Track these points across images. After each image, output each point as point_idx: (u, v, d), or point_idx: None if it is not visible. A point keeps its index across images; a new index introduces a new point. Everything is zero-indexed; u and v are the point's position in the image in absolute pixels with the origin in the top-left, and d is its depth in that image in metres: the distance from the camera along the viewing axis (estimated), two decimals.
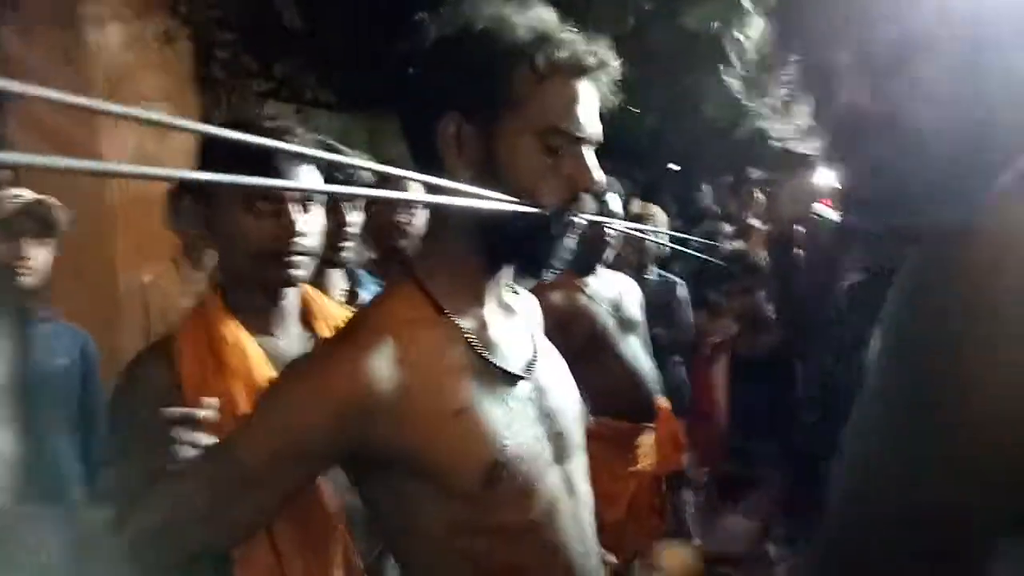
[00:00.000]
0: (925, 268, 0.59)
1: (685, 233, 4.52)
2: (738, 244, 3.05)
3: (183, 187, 2.31)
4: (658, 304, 2.91)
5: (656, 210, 4.53)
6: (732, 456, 2.54)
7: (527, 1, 0.91)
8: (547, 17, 0.90)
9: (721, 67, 3.96)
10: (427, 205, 1.01)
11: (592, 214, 1.05)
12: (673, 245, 2.94)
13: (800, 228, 1.89)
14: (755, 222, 3.70)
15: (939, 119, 0.62)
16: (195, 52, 3.62)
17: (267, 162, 1.07)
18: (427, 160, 0.91)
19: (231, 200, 1.13)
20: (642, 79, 4.88)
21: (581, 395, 1.12)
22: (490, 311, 0.98)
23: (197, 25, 3.57)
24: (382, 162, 0.78)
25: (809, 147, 0.85)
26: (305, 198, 1.17)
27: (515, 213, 0.87)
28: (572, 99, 0.89)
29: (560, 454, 0.98)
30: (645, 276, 3.06)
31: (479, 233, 0.92)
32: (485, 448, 0.89)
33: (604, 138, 0.94)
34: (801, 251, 1.89)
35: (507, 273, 1.00)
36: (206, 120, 3.78)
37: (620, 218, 2.44)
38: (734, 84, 4.02)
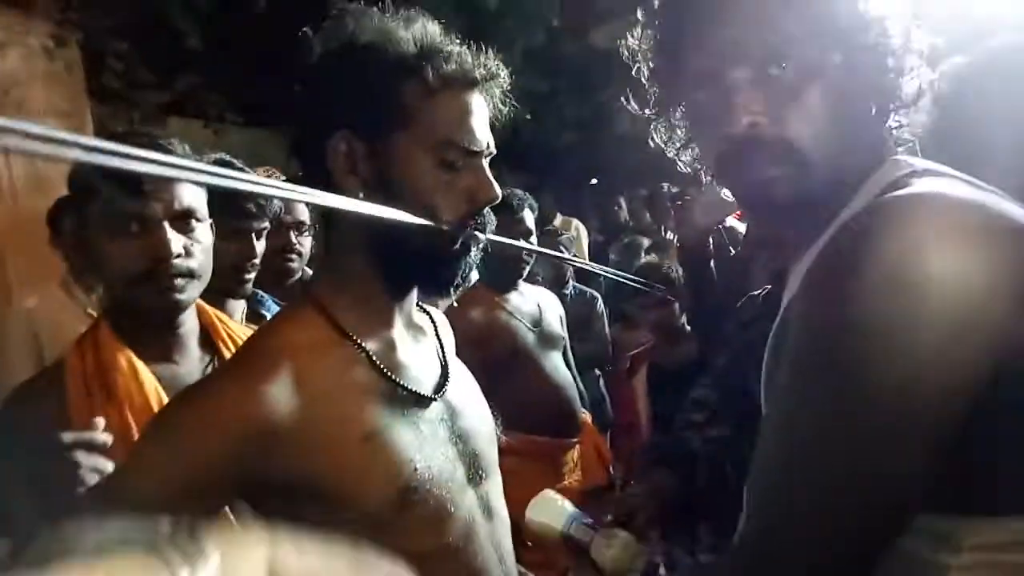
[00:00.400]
0: (814, 291, 0.65)
1: (605, 245, 4.59)
2: (652, 257, 3.10)
3: (61, 207, 2.16)
4: (577, 318, 2.92)
5: (576, 224, 4.58)
6: (650, 462, 2.57)
7: (411, 15, 0.88)
8: (432, 31, 0.88)
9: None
10: (325, 215, 0.96)
11: (499, 231, 1.04)
12: (581, 264, 2.97)
13: (711, 240, 1.94)
14: (670, 235, 3.79)
15: (819, 140, 0.71)
16: (86, 62, 3.43)
17: (136, 181, 1.01)
18: (319, 180, 0.86)
19: (103, 221, 1.06)
20: (557, 94, 5.00)
21: (503, 411, 1.10)
22: (398, 332, 0.95)
23: (88, 33, 3.39)
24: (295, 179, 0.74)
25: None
26: (187, 215, 1.10)
27: (413, 231, 0.84)
28: (464, 112, 0.87)
29: (474, 476, 0.95)
30: (563, 291, 3.06)
31: (380, 253, 0.89)
32: (396, 472, 0.85)
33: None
34: (712, 263, 1.94)
35: (413, 293, 0.97)
36: (101, 132, 3.61)
37: (533, 233, 2.42)
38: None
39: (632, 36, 0.87)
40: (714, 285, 1.96)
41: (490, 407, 1.07)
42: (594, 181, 7.51)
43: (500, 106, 0.93)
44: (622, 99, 0.95)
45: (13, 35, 3.13)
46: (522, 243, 2.20)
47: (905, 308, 0.59)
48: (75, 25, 3.35)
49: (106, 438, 0.92)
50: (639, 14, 0.86)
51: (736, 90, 0.71)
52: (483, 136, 0.88)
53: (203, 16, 3.73)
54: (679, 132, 0.88)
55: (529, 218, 2.40)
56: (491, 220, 0.93)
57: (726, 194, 1.74)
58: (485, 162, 0.90)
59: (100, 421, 0.94)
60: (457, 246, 0.88)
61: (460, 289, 0.94)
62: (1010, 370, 0.59)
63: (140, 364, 1.07)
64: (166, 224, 1.07)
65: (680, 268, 2.44)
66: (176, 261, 1.06)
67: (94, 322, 1.16)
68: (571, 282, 3.22)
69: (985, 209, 0.63)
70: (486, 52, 0.90)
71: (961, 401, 0.59)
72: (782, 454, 0.65)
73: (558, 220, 4.49)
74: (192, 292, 1.11)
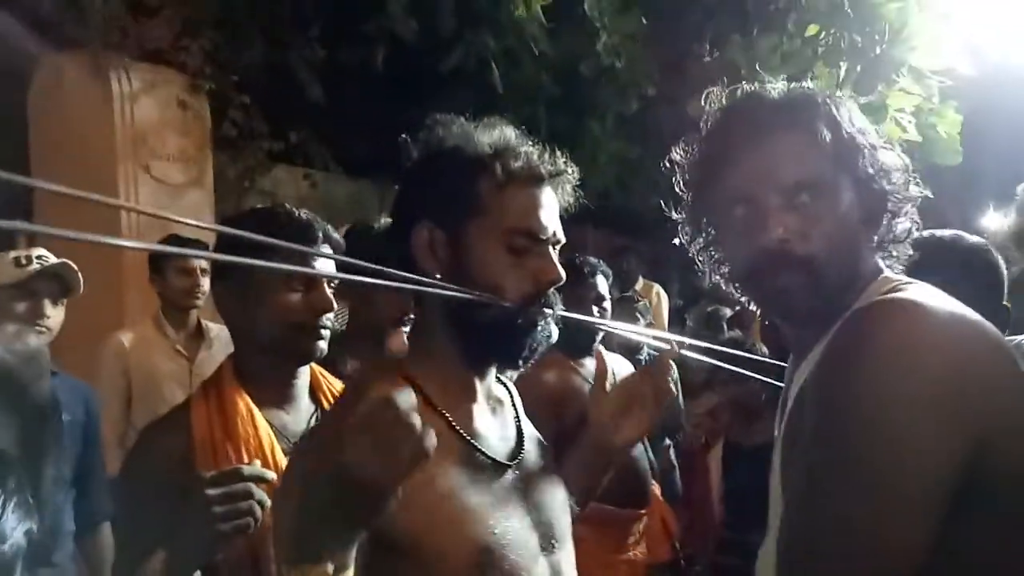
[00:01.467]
0: (825, 381, 0.79)
1: (683, 312, 4.56)
2: (735, 333, 3.06)
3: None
4: None
5: (658, 290, 4.56)
6: (726, 547, 2.50)
7: (492, 122, 1.01)
8: (507, 134, 0.99)
9: None
10: (416, 298, 1.08)
11: (572, 297, 1.11)
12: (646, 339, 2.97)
13: None
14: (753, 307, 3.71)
15: (832, 257, 0.87)
16: (212, 112, 3.73)
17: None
18: (404, 263, 0.96)
19: (272, 277, 1.20)
20: (646, 160, 5.05)
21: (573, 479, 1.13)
22: (478, 403, 1.02)
23: (218, 85, 3.70)
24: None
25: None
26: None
27: (484, 310, 0.94)
28: (531, 203, 0.97)
29: (547, 545, 0.99)
30: (638, 357, 3.06)
31: (457, 330, 0.98)
32: (476, 533, 0.90)
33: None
34: None
35: (491, 367, 1.04)
36: (219, 177, 3.90)
37: (606, 299, 2.43)
38: None
39: (678, 151, 1.03)
40: None
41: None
42: (677, 241, 7.46)
43: (569, 199, 1.03)
44: (661, 203, 1.06)
45: (153, 85, 3.46)
46: (583, 316, 2.20)
47: (898, 391, 0.73)
48: (207, 77, 3.67)
49: (273, 476, 1.07)
50: (689, 134, 1.02)
51: (770, 211, 0.87)
52: (549, 225, 0.98)
53: (323, 71, 4.00)
54: (702, 237, 1.04)
55: (602, 284, 2.43)
56: (556, 299, 1.00)
57: None
58: (553, 249, 0.99)
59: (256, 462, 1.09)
60: (522, 322, 0.96)
61: (532, 361, 1.01)
62: (991, 445, 0.72)
63: (256, 410, 1.19)
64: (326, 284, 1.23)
65: (765, 346, 2.42)
66: (328, 314, 1.22)
67: (220, 366, 1.29)
68: (646, 348, 3.22)
69: (960, 312, 0.79)
70: (555, 152, 1.01)
71: (949, 469, 0.72)
72: (804, 526, 0.76)
73: (639, 284, 4.49)
74: (326, 345, 1.25)
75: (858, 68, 3.68)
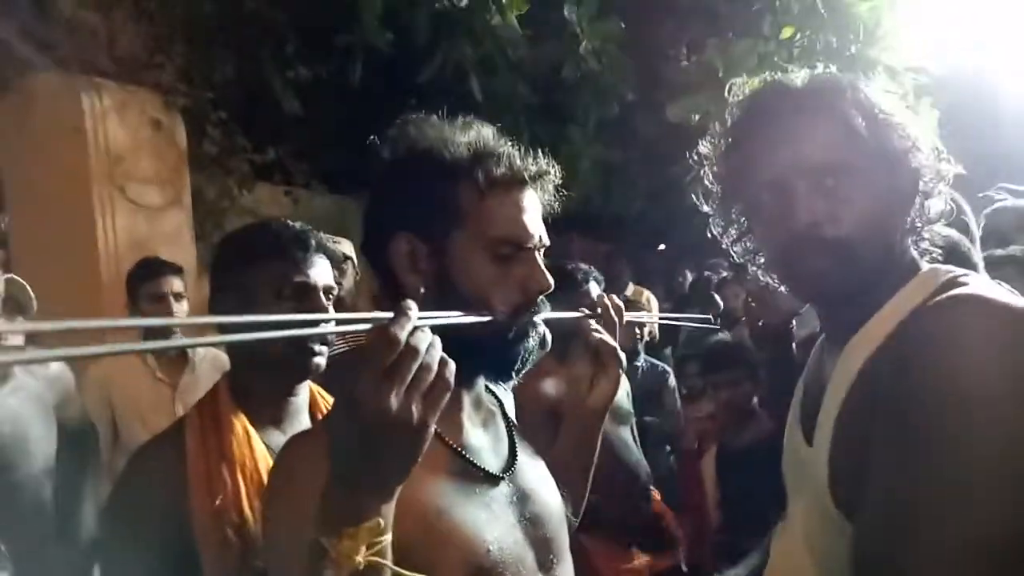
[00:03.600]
0: (919, 376, 0.74)
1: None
2: (725, 335, 3.06)
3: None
4: (647, 392, 2.89)
5: (648, 294, 4.56)
6: (724, 550, 2.48)
7: (468, 121, 0.95)
8: (486, 134, 0.94)
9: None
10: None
11: (564, 304, 1.10)
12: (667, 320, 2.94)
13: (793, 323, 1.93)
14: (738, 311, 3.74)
15: (865, 240, 0.86)
16: (188, 131, 3.67)
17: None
18: (384, 276, 0.93)
19: (267, 288, 1.19)
20: (629, 165, 5.07)
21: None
22: (467, 415, 0.97)
23: (193, 103, 3.64)
24: None
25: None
26: (328, 288, 1.24)
27: (474, 324, 0.88)
28: (515, 210, 0.92)
29: (545, 560, 0.95)
30: (635, 363, 3.05)
31: (445, 346, 0.93)
32: (469, 552, 0.86)
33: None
34: (794, 345, 1.92)
35: (479, 379, 1.00)
36: (197, 196, 3.84)
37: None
38: None
39: (705, 144, 1.02)
40: (796, 367, 1.93)
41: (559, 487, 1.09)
42: (662, 247, 7.50)
43: (552, 200, 0.98)
44: (692, 196, 1.04)
45: (126, 106, 3.39)
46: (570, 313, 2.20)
47: (1009, 385, 0.69)
48: (181, 95, 3.61)
49: None
50: (716, 126, 1.01)
51: (798, 196, 0.86)
52: (535, 230, 0.93)
53: (300, 86, 3.96)
54: (734, 228, 1.02)
55: (595, 290, 2.41)
56: (545, 307, 0.96)
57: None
58: (538, 254, 0.94)
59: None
60: (512, 334, 0.92)
61: (523, 371, 0.97)
62: None
63: (252, 431, 1.17)
64: (322, 294, 1.22)
65: (757, 348, 2.40)
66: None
67: (215, 385, 1.27)
68: (642, 355, 3.21)
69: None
70: (535, 152, 0.96)
71: None
72: (902, 526, 0.71)
73: (630, 290, 4.48)
74: (323, 360, 1.22)
75: (833, 68, 3.71)
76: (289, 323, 0.67)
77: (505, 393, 1.14)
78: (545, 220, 0.97)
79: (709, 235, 1.07)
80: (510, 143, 0.95)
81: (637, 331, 3.02)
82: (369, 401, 0.66)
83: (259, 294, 1.19)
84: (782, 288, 1.01)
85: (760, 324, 1.93)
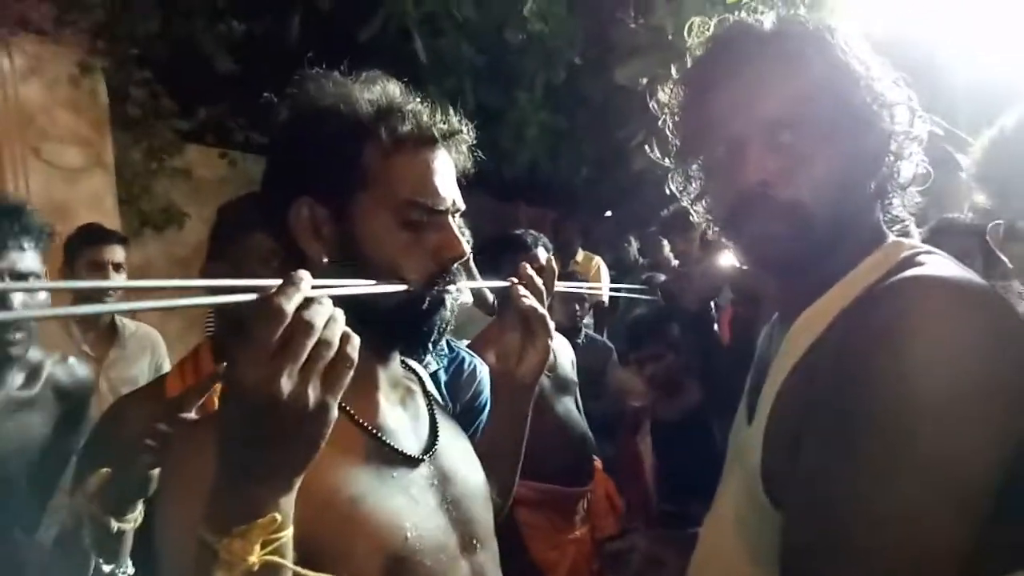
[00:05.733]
0: (861, 365, 0.67)
1: (616, 281, 4.54)
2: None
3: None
4: (591, 370, 2.85)
5: (598, 261, 4.52)
6: (666, 520, 2.50)
7: (371, 76, 0.88)
8: (391, 91, 0.87)
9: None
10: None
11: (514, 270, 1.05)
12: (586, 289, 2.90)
13: (714, 303, 1.94)
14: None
15: (822, 204, 0.77)
16: (111, 90, 3.46)
17: None
18: (287, 244, 0.85)
19: (253, 257, 1.21)
20: (575, 129, 5.01)
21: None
22: (383, 393, 0.91)
23: (115, 61, 3.43)
24: None
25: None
26: None
27: (382, 295, 0.82)
28: (424, 170, 0.85)
29: (468, 545, 0.90)
30: (576, 340, 2.99)
31: (355, 319, 0.80)
32: (385, 539, 0.80)
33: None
34: (716, 326, 1.94)
35: (394, 354, 0.93)
36: (121, 159, 3.64)
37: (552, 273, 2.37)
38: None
39: (663, 91, 0.92)
40: (720, 346, 1.95)
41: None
42: (608, 213, 7.49)
43: (466, 162, 0.91)
44: (646, 147, 0.96)
45: (40, 63, 3.17)
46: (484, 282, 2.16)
47: (952, 381, 0.63)
48: (102, 54, 3.39)
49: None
50: (672, 71, 0.91)
51: (750, 151, 0.78)
52: (447, 193, 0.86)
53: (231, 44, 3.77)
54: (694, 184, 0.93)
55: (542, 256, 2.36)
56: (460, 275, 0.89)
57: (724, 259, 1.77)
58: (453, 219, 0.87)
59: None
60: (426, 306, 0.85)
61: (437, 346, 0.92)
62: None
63: None
64: None
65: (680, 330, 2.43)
66: None
67: (197, 345, 1.29)
68: (583, 331, 3.16)
69: (992, 291, 0.71)
70: (446, 110, 0.89)
71: (999, 468, 0.63)
72: (826, 518, 0.66)
73: (580, 255, 4.45)
74: None
75: None
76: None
77: (431, 368, 1.08)
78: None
79: (656, 201, 1.01)
80: (418, 100, 0.87)
81: (577, 307, 2.98)
82: (253, 384, 0.58)
83: (247, 264, 1.21)
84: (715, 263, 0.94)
85: (680, 309, 1.93)
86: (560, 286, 1.22)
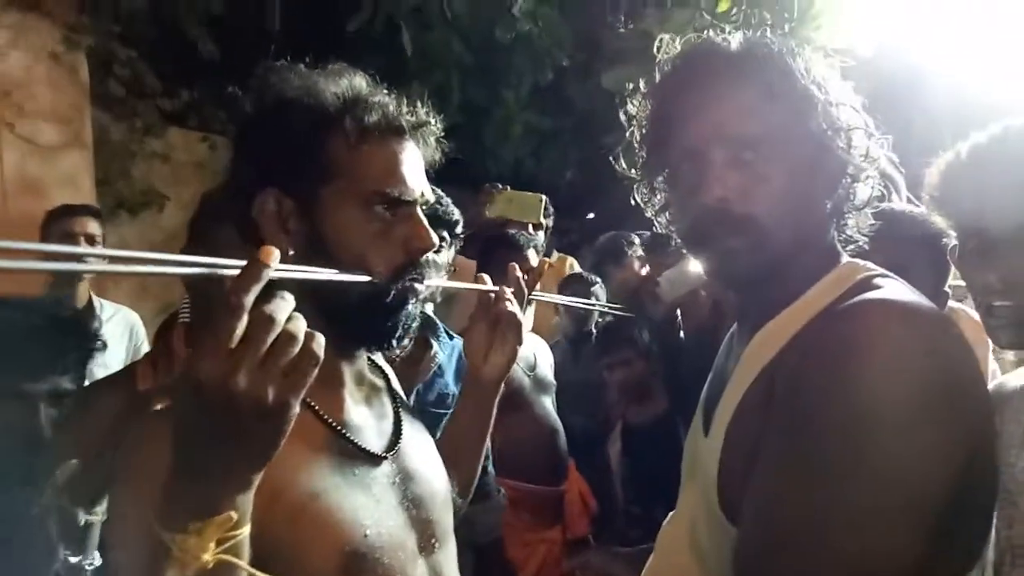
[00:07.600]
0: (818, 385, 0.70)
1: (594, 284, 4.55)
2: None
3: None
4: (591, 379, 2.85)
5: (571, 262, 4.53)
6: (633, 521, 2.52)
7: (337, 68, 0.87)
8: (357, 83, 0.87)
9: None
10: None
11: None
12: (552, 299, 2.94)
13: (681, 311, 1.96)
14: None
15: (779, 221, 0.80)
16: (92, 68, 3.40)
17: None
18: (252, 240, 0.83)
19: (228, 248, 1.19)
20: (560, 131, 5.02)
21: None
22: (348, 390, 0.91)
23: (98, 38, 3.37)
24: None
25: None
26: None
27: (348, 287, 0.81)
28: (392, 162, 0.85)
29: (426, 545, 0.90)
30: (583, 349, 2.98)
31: (319, 313, 0.81)
32: (343, 536, 0.79)
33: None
34: (683, 333, 1.96)
35: (361, 350, 0.93)
36: (101, 139, 3.57)
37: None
38: None
39: (633, 103, 0.94)
40: (686, 354, 1.97)
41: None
42: (591, 216, 7.51)
43: (434, 153, 0.91)
44: (611, 159, 0.98)
45: (20, 36, 3.10)
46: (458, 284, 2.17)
47: (908, 401, 0.66)
48: (85, 30, 3.33)
49: None
50: (642, 84, 0.94)
51: (712, 167, 0.80)
52: (415, 184, 0.86)
53: (217, 27, 3.72)
54: (658, 196, 0.96)
55: (533, 257, 2.38)
56: (430, 269, 0.89)
57: (691, 268, 1.79)
58: (420, 211, 0.87)
59: None
60: (391, 299, 0.85)
61: (406, 342, 0.90)
62: (978, 454, 0.68)
63: None
64: None
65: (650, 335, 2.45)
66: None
67: (168, 330, 1.32)
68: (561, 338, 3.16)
69: (943, 316, 0.75)
70: (414, 101, 0.89)
71: (949, 480, 0.66)
72: (779, 535, 0.68)
73: (554, 257, 4.45)
74: None
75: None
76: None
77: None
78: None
79: (639, 206, 1.02)
80: (392, 94, 0.87)
81: (556, 319, 3.02)
82: (210, 378, 0.57)
83: (222, 253, 1.17)
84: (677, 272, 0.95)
85: (646, 318, 1.96)
86: (536, 295, 1.23)
